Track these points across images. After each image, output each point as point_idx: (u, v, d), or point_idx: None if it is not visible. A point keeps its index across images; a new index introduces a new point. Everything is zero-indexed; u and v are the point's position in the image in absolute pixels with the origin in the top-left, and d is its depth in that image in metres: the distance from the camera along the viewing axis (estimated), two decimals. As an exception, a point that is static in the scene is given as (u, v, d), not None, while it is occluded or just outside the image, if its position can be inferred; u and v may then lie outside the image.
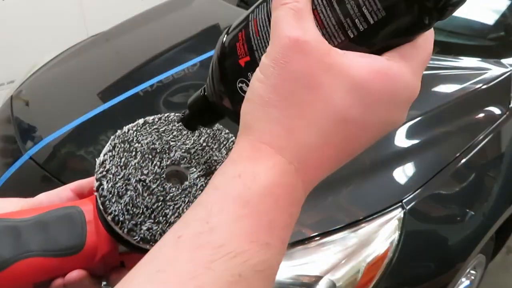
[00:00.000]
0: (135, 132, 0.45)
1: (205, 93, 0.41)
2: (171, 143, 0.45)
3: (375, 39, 0.28)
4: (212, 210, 0.27)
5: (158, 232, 0.39)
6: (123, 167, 0.42)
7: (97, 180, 0.41)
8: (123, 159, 0.42)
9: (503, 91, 1.38)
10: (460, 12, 1.47)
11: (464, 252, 1.22)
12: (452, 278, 1.22)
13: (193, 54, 1.57)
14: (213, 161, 0.46)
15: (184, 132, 0.47)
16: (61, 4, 2.68)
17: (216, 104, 0.39)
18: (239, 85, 0.34)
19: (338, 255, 1.00)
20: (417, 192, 1.11)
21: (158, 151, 0.44)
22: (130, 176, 0.41)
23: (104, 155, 0.42)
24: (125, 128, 0.45)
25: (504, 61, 1.41)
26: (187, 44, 1.73)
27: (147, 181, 0.42)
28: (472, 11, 1.60)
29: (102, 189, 0.40)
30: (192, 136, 0.47)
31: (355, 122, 0.28)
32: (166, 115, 0.48)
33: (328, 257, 1.00)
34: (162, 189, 0.42)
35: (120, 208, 0.39)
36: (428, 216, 1.17)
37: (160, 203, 0.41)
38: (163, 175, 0.43)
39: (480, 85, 1.35)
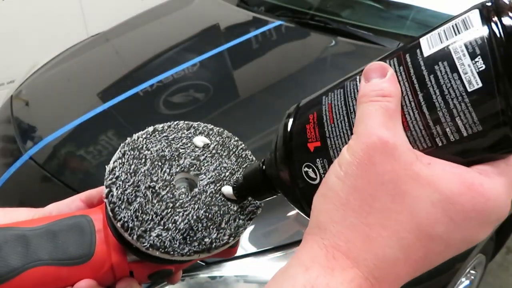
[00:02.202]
0: (145, 140, 0.45)
1: (264, 167, 0.40)
2: (181, 150, 0.46)
3: (466, 151, 0.26)
4: None
5: (168, 239, 0.39)
6: (132, 174, 0.42)
7: (106, 187, 0.41)
8: (132, 166, 0.42)
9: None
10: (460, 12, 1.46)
11: (464, 252, 1.22)
12: (452, 278, 1.21)
13: (193, 54, 1.57)
14: (222, 168, 0.46)
15: (194, 140, 0.47)
16: (61, 4, 2.68)
17: (274, 181, 0.38)
18: (304, 169, 0.33)
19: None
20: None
21: (167, 158, 0.44)
22: (139, 182, 0.42)
23: (114, 162, 0.42)
24: (135, 136, 0.45)
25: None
26: (187, 44, 1.73)
27: (156, 187, 0.42)
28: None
29: (112, 195, 0.40)
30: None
31: (439, 239, 0.26)
32: (175, 123, 0.48)
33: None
34: (171, 195, 0.42)
35: (129, 214, 0.39)
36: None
37: (169, 209, 0.41)
38: (173, 182, 0.43)
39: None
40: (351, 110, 0.30)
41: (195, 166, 0.45)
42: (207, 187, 0.44)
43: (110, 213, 0.40)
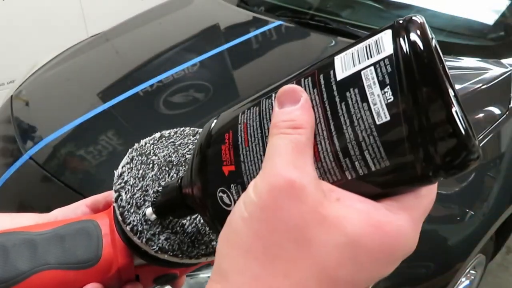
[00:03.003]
0: (152, 145, 0.46)
1: (181, 184, 0.38)
2: (187, 156, 0.46)
3: (374, 185, 0.25)
4: None
5: (176, 242, 0.40)
6: (141, 179, 0.43)
7: (115, 191, 0.41)
8: (140, 171, 0.43)
9: (503, 91, 1.38)
10: (460, 12, 1.46)
11: (464, 252, 1.22)
12: (452, 278, 1.22)
13: (193, 54, 1.58)
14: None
15: None
16: (61, 4, 2.68)
17: (191, 202, 0.35)
18: (219, 194, 0.30)
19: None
20: (417, 192, 1.11)
21: (174, 163, 0.45)
22: (148, 187, 0.42)
23: (122, 167, 0.43)
24: (142, 142, 0.46)
25: (504, 61, 1.41)
26: (187, 44, 1.73)
27: None
28: (472, 11, 1.60)
29: (121, 200, 0.41)
30: None
31: (345, 281, 0.25)
32: (181, 129, 0.48)
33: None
34: None
35: (138, 218, 0.40)
36: (428, 216, 1.16)
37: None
38: None
39: (480, 85, 1.35)
40: (265, 134, 0.28)
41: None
42: None
43: (119, 217, 0.40)
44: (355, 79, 0.25)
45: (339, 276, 0.24)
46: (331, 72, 0.26)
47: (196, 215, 0.42)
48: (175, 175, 0.44)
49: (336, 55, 0.27)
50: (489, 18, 1.57)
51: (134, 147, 0.45)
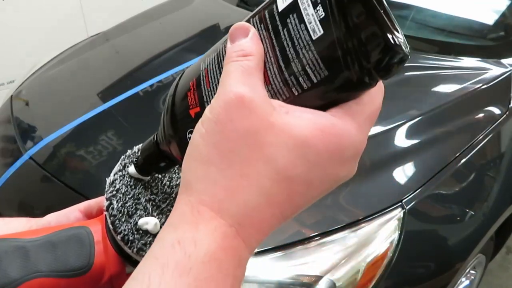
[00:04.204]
0: None
1: (157, 140, 0.40)
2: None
3: (319, 96, 0.28)
4: (151, 282, 0.25)
5: None
6: (133, 187, 0.42)
7: (107, 199, 0.41)
8: (133, 179, 0.42)
9: (503, 91, 1.38)
10: (460, 12, 1.46)
11: (464, 252, 1.22)
12: (452, 278, 1.22)
13: (193, 54, 1.58)
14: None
15: None
16: (61, 4, 2.68)
17: (166, 151, 0.37)
18: (189, 136, 0.33)
19: (338, 255, 1.00)
20: (417, 192, 1.11)
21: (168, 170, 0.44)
22: (140, 195, 0.42)
23: (114, 175, 0.42)
24: (135, 148, 0.45)
25: (504, 61, 1.41)
26: (187, 44, 1.73)
27: (156, 200, 0.42)
28: (472, 11, 1.60)
29: (112, 208, 0.40)
30: None
31: (299, 180, 0.28)
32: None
33: (328, 257, 1.00)
34: (171, 208, 0.42)
35: (129, 227, 0.39)
36: (428, 216, 1.17)
37: None
38: (173, 194, 0.43)
39: (480, 85, 1.35)
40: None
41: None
42: None
43: (111, 226, 0.40)
44: (293, 6, 0.28)
45: (293, 175, 0.27)
46: (274, 6, 0.29)
47: None
48: (168, 182, 0.43)
49: None
50: (489, 18, 1.57)
51: (127, 153, 0.44)
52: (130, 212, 0.40)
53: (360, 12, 0.26)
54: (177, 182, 0.44)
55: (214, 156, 0.28)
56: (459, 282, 1.44)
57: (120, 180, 0.42)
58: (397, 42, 0.26)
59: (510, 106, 1.35)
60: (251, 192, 0.27)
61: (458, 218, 1.23)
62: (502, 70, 1.39)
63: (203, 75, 0.33)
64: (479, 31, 1.58)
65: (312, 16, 0.27)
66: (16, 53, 2.51)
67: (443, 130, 1.26)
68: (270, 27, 0.29)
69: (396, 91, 1.27)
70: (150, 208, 0.41)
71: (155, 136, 0.40)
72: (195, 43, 1.73)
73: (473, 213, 1.24)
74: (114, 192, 0.41)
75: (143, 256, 0.38)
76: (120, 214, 0.40)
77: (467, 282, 1.58)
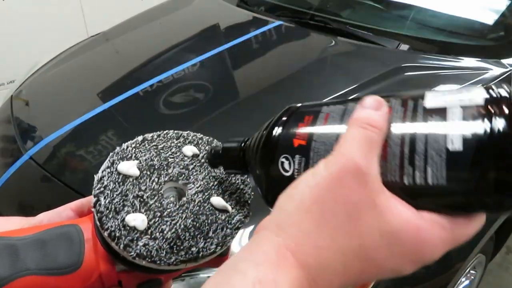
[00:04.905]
0: (134, 149, 0.46)
1: (244, 147, 0.42)
2: (170, 160, 0.46)
3: (425, 198, 0.29)
4: None
5: (155, 248, 0.39)
6: (120, 183, 0.42)
7: (94, 196, 0.41)
8: (121, 175, 0.43)
9: (503, 91, 1.38)
10: (460, 12, 1.45)
11: (464, 252, 1.22)
12: (452, 278, 1.22)
13: (193, 54, 1.57)
14: (211, 177, 0.46)
15: (183, 149, 0.47)
16: (61, 4, 2.68)
17: (249, 159, 0.40)
18: (282, 159, 0.35)
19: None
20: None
21: (156, 167, 0.44)
22: (127, 192, 0.42)
23: (102, 172, 0.43)
24: (124, 145, 0.45)
25: (504, 61, 1.41)
26: (187, 44, 1.73)
27: (144, 197, 0.42)
28: (472, 11, 1.60)
29: (100, 205, 0.40)
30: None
31: (376, 263, 0.29)
32: (165, 132, 0.48)
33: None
34: (159, 205, 0.42)
35: (116, 224, 0.39)
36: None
37: (157, 219, 0.41)
38: (161, 191, 0.43)
39: (480, 85, 1.35)
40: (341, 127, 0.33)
41: (183, 175, 0.45)
42: (195, 196, 0.44)
43: (98, 223, 0.40)
44: (441, 110, 0.29)
45: (374, 257, 0.29)
46: (420, 100, 0.31)
47: (176, 220, 0.41)
48: (156, 179, 0.43)
49: (428, 91, 0.32)
50: (489, 18, 1.57)
51: (116, 150, 0.44)
52: (117, 209, 0.40)
53: (506, 172, 0.26)
54: (165, 179, 0.44)
55: (315, 210, 0.29)
56: (459, 282, 1.44)
57: (108, 177, 0.42)
58: None
59: (510, 106, 1.35)
60: (335, 257, 0.29)
61: (458, 218, 1.22)
62: (502, 70, 1.39)
63: (322, 117, 0.34)
64: (479, 31, 1.58)
65: (457, 128, 0.28)
66: (16, 53, 2.51)
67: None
68: (409, 113, 0.30)
69: (396, 91, 1.27)
70: (138, 205, 0.41)
71: (243, 143, 0.42)
72: (195, 43, 1.73)
73: (473, 213, 1.24)
74: (102, 189, 0.41)
75: (129, 252, 0.38)
76: (107, 211, 0.40)
77: (467, 282, 1.58)
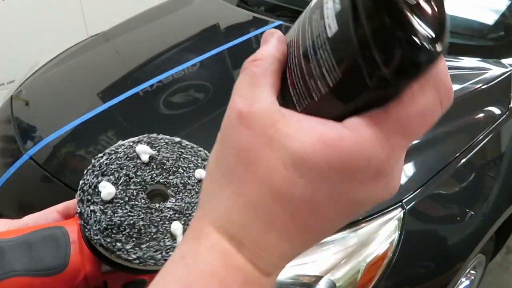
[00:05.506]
0: (164, 141, 0.47)
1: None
2: (180, 170, 0.46)
3: (338, 104, 0.24)
4: None
5: (95, 219, 0.40)
6: (124, 159, 0.43)
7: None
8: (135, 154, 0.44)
9: (503, 91, 1.38)
10: (460, 12, 1.46)
11: (464, 252, 1.22)
12: (452, 278, 1.22)
13: (193, 54, 1.57)
14: (195, 207, 0.46)
15: (197, 170, 0.48)
16: (61, 4, 2.68)
17: None
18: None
19: (338, 255, 1.00)
20: (417, 192, 1.11)
21: (165, 167, 0.45)
22: (123, 166, 0.43)
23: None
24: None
25: (504, 61, 1.41)
26: (187, 44, 1.73)
27: (130, 181, 0.43)
28: (472, 11, 1.60)
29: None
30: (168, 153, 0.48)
31: (302, 200, 0.25)
32: (197, 147, 0.48)
33: (328, 257, 1.00)
34: (135, 194, 0.43)
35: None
36: (428, 216, 1.17)
37: (121, 201, 0.42)
38: (148, 186, 0.44)
39: (480, 85, 1.35)
40: None
41: (177, 188, 0.45)
42: (166, 210, 0.43)
43: (82, 226, 0.40)
44: (320, 1, 0.25)
45: (293, 195, 0.25)
46: (311, 2, 0.26)
47: (159, 221, 0.42)
48: (155, 174, 0.44)
49: None
50: (489, 18, 1.57)
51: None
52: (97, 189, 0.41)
53: (382, 16, 0.21)
54: (161, 180, 0.45)
55: (216, 175, 0.28)
56: (459, 282, 1.44)
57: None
58: (417, 39, 0.21)
59: (510, 106, 1.35)
60: (246, 212, 0.26)
61: (458, 218, 1.23)
62: (502, 70, 1.39)
63: None
64: (479, 31, 1.58)
65: (330, 10, 0.23)
66: (16, 53, 2.50)
67: (443, 130, 1.26)
68: (300, 23, 0.27)
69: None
70: (120, 180, 0.42)
71: None
72: (195, 43, 1.73)
73: (473, 213, 1.24)
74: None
75: (114, 253, 0.39)
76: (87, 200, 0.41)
77: (467, 282, 1.58)
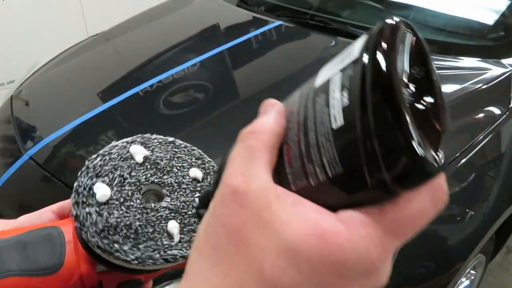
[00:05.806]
0: (157, 140, 0.47)
1: None
2: (174, 170, 0.46)
3: (334, 194, 0.24)
4: None
5: (91, 221, 0.40)
6: (118, 160, 0.43)
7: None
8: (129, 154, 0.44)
9: (503, 91, 1.38)
10: (460, 12, 1.46)
11: (464, 252, 1.22)
12: (452, 278, 1.22)
13: (193, 54, 1.58)
14: (190, 206, 0.45)
15: (191, 169, 0.48)
16: (61, 4, 2.68)
17: None
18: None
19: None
20: (417, 192, 1.11)
21: (159, 167, 0.45)
22: (117, 167, 0.43)
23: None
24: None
25: (504, 61, 1.41)
26: (187, 44, 1.73)
27: (125, 182, 0.43)
28: (472, 11, 1.60)
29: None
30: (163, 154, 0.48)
31: None
32: (190, 146, 0.48)
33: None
34: (130, 194, 0.43)
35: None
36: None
37: (116, 202, 0.41)
38: (142, 186, 0.44)
39: (480, 85, 1.35)
40: None
41: (172, 187, 0.45)
42: (161, 210, 0.43)
43: (78, 225, 0.40)
44: (326, 85, 0.24)
45: (281, 283, 0.24)
46: (314, 80, 0.26)
47: (156, 221, 0.42)
48: (149, 175, 0.44)
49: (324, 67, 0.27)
50: (489, 18, 1.57)
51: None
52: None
53: (383, 109, 0.21)
54: (156, 180, 0.45)
55: (206, 250, 0.26)
56: (459, 282, 1.44)
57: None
58: (421, 154, 0.22)
59: (510, 106, 1.35)
60: None
61: (458, 218, 1.23)
62: (502, 70, 1.39)
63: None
64: (479, 31, 1.58)
65: (337, 101, 0.23)
66: (16, 53, 2.51)
67: (443, 130, 1.26)
68: (302, 100, 0.26)
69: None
70: (115, 181, 0.42)
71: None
72: (195, 43, 1.73)
73: (473, 213, 1.24)
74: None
75: (112, 254, 0.39)
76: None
77: (467, 282, 1.58)
